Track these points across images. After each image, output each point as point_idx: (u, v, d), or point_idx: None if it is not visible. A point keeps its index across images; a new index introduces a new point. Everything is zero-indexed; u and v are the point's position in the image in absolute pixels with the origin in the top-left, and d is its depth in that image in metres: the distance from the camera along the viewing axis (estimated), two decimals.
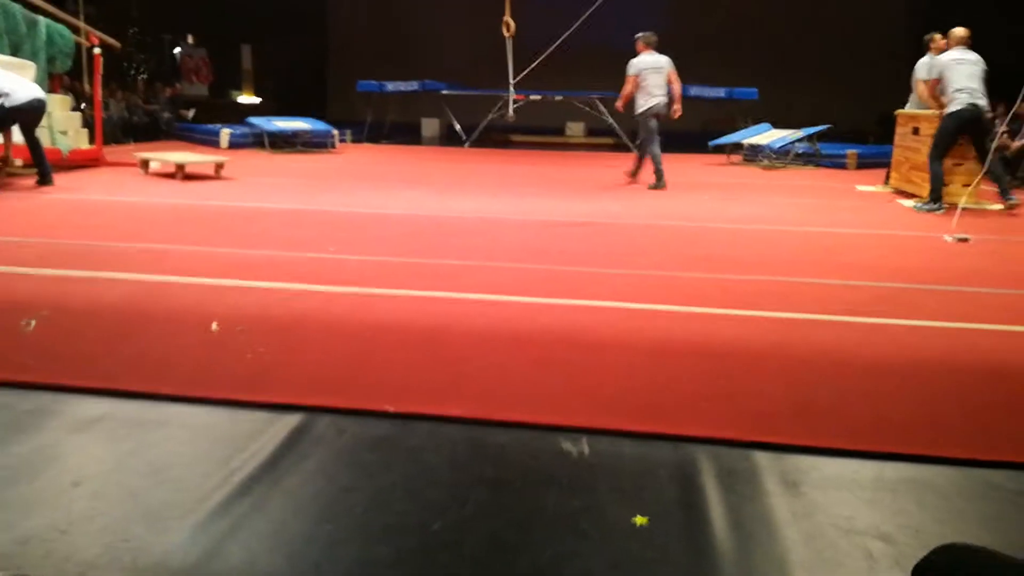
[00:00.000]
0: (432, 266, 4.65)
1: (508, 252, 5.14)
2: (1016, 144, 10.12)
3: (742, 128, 13.15)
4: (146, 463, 2.21)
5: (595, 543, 1.88)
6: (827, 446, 2.40)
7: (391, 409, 2.58)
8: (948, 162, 7.57)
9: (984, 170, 7.27)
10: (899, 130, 8.90)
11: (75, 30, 9.88)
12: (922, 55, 8.47)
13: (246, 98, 17.75)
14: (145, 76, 14.78)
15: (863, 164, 11.26)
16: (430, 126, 17.08)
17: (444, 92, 15.18)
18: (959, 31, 7.58)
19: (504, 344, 3.28)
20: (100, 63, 9.62)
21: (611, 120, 14.59)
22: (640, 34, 8.87)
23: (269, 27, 17.81)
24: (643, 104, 8.65)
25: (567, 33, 13.70)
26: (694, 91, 14.17)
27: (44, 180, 7.47)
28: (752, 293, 4.16)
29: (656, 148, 8.74)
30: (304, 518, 1.96)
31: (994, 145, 7.38)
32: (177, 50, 16.45)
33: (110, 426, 2.45)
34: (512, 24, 12.96)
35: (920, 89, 8.25)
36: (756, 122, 13.14)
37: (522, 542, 1.87)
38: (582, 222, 6.34)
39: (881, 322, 3.69)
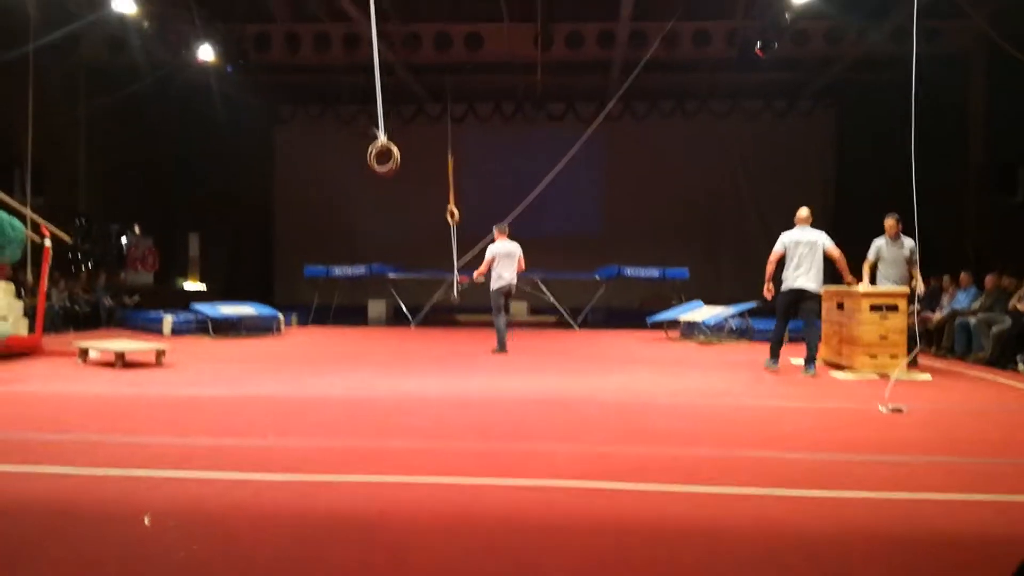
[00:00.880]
0: (373, 449, 4.61)
1: (451, 431, 5.14)
2: (936, 316, 10.71)
3: (676, 305, 13.65)
4: None
5: None
6: None
7: None
8: (875, 335, 8.01)
9: (914, 351, 7.76)
10: (826, 305, 9.35)
11: (25, 221, 10.02)
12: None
13: (192, 284, 17.87)
14: (90, 266, 14.85)
15: (794, 339, 11.68)
16: (376, 307, 17.32)
17: (391, 276, 15.56)
18: (802, 211, 8.59)
19: (449, 530, 3.23)
20: (49, 255, 9.70)
21: (552, 299, 15.06)
22: (497, 224, 10.55)
23: (216, 215, 18.30)
24: (495, 283, 9.97)
25: (505, 221, 14.40)
26: (630, 271, 14.85)
27: None
28: (695, 467, 4.21)
29: (500, 320, 10.04)
30: None
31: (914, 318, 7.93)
32: (124, 239, 16.67)
33: None
34: (456, 212, 13.60)
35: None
36: (689, 299, 13.68)
37: None
38: (525, 399, 6.40)
39: (817, 495, 3.75)
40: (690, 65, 15.92)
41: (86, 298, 13.75)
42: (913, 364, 8.22)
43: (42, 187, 13.82)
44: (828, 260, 8.40)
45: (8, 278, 10.86)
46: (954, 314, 10.20)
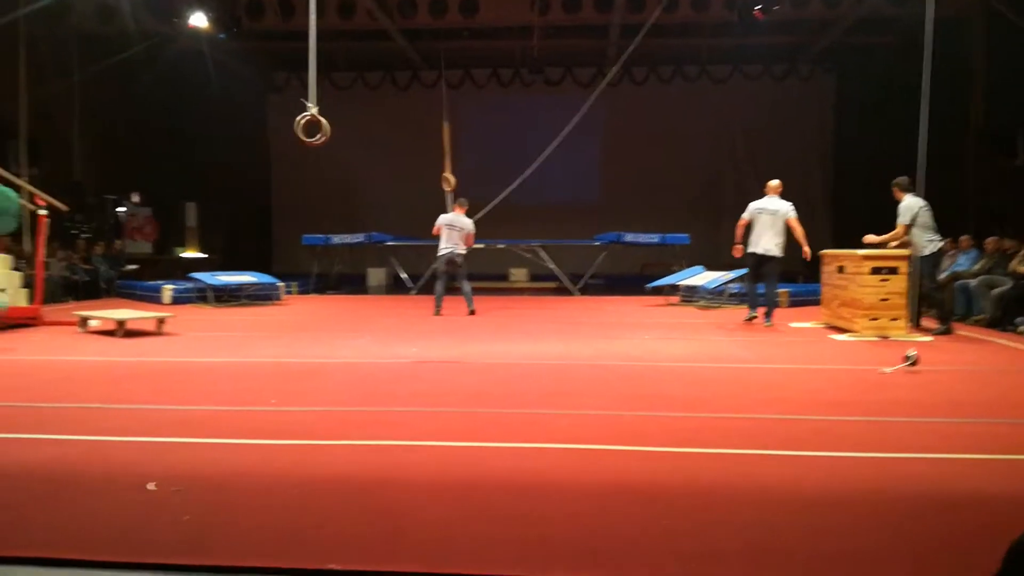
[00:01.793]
0: (375, 414, 4.63)
1: (451, 397, 5.16)
2: (942, 278, 10.71)
3: (677, 271, 13.65)
4: None
5: None
6: None
7: (336, 567, 2.52)
8: (876, 297, 8.04)
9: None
10: (825, 268, 9.36)
11: (20, 192, 9.97)
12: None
13: (190, 254, 17.84)
14: (88, 236, 14.81)
15: (795, 302, 11.72)
16: (376, 276, 17.34)
17: (390, 243, 15.54)
18: (772, 182, 9.38)
19: (449, 493, 3.25)
20: (45, 224, 9.66)
21: (552, 265, 15.05)
22: (458, 199, 10.98)
23: (214, 185, 18.21)
24: (438, 252, 10.51)
25: (508, 190, 14.40)
26: (630, 237, 14.83)
27: None
28: (694, 430, 4.23)
29: (438, 285, 10.61)
30: None
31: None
32: (122, 209, 16.61)
33: None
34: (452, 179, 13.53)
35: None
36: (689, 264, 13.67)
37: None
38: (525, 364, 6.42)
39: (818, 455, 3.78)
40: (690, 29, 15.77)
41: (85, 268, 13.74)
42: (916, 326, 8.38)
43: (38, 158, 13.75)
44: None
45: (7, 249, 10.84)
46: (955, 276, 10.19)
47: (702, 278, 12.33)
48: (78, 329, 8.67)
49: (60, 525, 2.86)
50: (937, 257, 8.75)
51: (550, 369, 6.26)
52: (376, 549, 2.67)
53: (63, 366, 6.52)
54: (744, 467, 3.61)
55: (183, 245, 18.17)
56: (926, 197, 8.43)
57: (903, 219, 8.55)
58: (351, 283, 15.85)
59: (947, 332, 8.37)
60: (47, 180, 12.56)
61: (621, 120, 18.95)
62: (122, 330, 8.26)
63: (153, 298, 12.34)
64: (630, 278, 15.98)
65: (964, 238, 10.92)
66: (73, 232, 14.59)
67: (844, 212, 17.66)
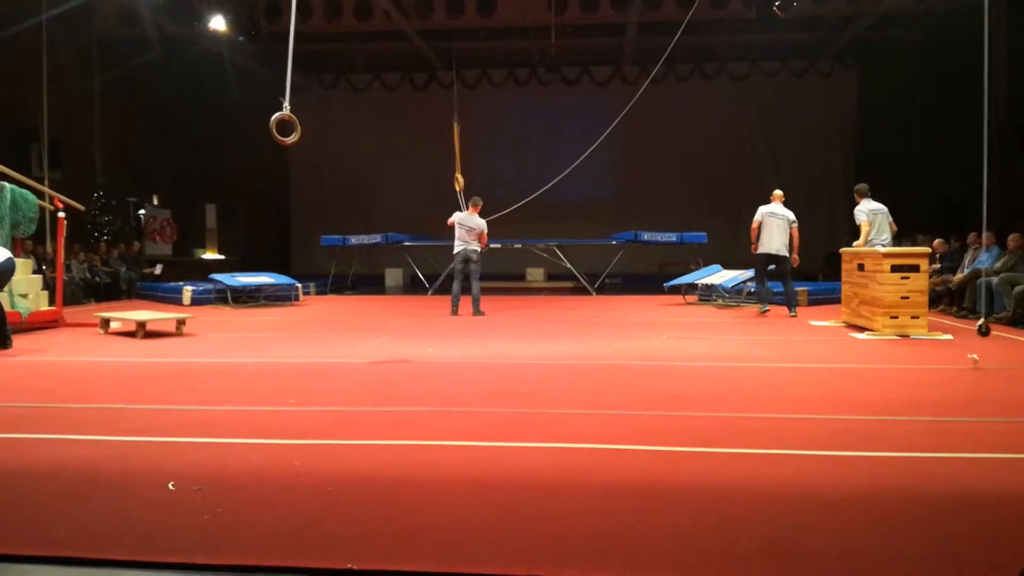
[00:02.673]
0: (393, 414, 4.64)
1: (470, 396, 5.15)
2: (958, 277, 10.60)
3: (694, 270, 13.58)
4: None
5: None
6: None
7: (354, 567, 2.51)
8: (897, 296, 7.95)
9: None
10: (845, 267, 9.27)
11: (40, 194, 10.07)
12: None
13: (210, 255, 17.98)
14: (108, 238, 14.95)
15: (814, 301, 11.63)
16: (393, 276, 17.39)
17: (407, 244, 15.57)
18: (776, 192, 10.40)
19: (467, 492, 3.24)
20: (64, 226, 9.76)
21: (569, 265, 15.02)
22: (472, 198, 10.95)
23: (232, 186, 18.34)
24: (455, 248, 10.53)
25: (537, 193, 14.37)
26: (647, 236, 14.78)
27: (3, 343, 7.39)
28: (713, 430, 4.20)
29: (455, 285, 10.67)
30: None
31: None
32: (142, 211, 16.76)
33: None
34: (462, 180, 13.57)
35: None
36: (707, 263, 13.60)
37: None
38: (543, 363, 6.40)
39: (840, 454, 3.73)
40: (708, 27, 15.67)
41: (105, 270, 13.87)
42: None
43: (59, 161, 13.89)
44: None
45: (27, 251, 10.97)
46: (976, 274, 10.07)
47: (720, 277, 12.26)
48: (99, 331, 8.75)
49: (81, 524, 2.88)
50: None
51: (567, 369, 6.24)
52: (394, 548, 2.67)
53: (85, 367, 6.58)
54: (764, 467, 3.57)
55: (203, 247, 18.31)
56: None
57: (861, 218, 9.25)
58: (369, 283, 15.89)
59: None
60: (70, 183, 12.68)
61: (639, 117, 18.86)
62: (142, 331, 8.33)
63: (173, 300, 12.44)
64: (647, 277, 15.93)
65: (987, 235, 10.77)
66: (94, 235, 14.74)
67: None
